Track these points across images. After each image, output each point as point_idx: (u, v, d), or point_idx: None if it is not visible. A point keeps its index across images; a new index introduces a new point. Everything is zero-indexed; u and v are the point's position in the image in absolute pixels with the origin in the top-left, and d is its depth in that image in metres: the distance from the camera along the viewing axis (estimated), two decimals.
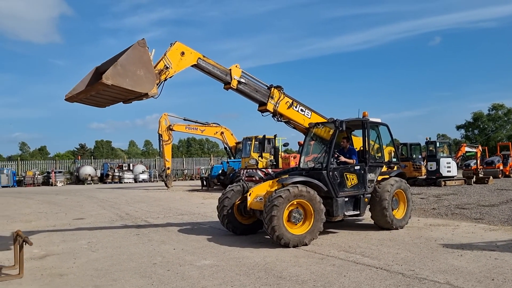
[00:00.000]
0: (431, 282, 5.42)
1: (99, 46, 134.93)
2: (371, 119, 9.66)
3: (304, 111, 9.80)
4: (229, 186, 9.54)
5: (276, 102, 9.40)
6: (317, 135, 9.88)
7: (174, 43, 8.28)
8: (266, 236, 8.36)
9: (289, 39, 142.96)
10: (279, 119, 9.73)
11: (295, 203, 7.84)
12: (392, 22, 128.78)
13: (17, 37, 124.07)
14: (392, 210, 9.26)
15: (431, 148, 23.84)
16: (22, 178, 38.52)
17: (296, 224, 7.89)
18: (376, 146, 9.77)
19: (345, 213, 8.83)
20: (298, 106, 9.72)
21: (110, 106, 7.99)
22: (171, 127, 25.34)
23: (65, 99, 7.43)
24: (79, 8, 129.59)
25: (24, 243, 5.94)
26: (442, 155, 23.38)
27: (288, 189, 7.72)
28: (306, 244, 7.82)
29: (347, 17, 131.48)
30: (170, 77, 8.12)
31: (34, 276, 6.21)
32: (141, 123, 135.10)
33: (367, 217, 9.57)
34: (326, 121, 9.57)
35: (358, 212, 9.06)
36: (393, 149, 10.38)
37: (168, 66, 7.98)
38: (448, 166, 22.78)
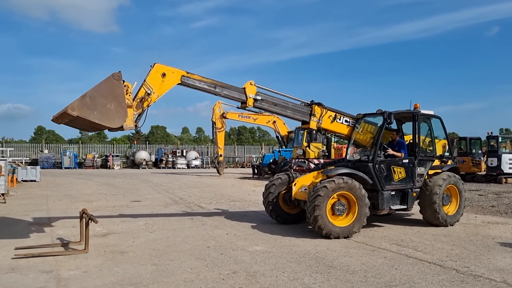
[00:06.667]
0: (487, 280, 5.31)
1: (155, 34, 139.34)
2: (423, 111, 9.36)
3: (349, 121, 9.46)
4: (276, 174, 9.64)
5: (319, 118, 9.12)
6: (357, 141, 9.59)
7: (153, 66, 7.65)
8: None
9: (344, 27, 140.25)
10: (324, 133, 9.57)
11: (336, 196, 7.78)
12: (453, 10, 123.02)
13: (79, 26, 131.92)
14: (443, 206, 9.01)
15: (492, 143, 22.74)
16: (83, 161, 40.73)
17: (342, 216, 7.86)
18: (428, 139, 9.48)
19: (391, 207, 8.68)
20: (342, 117, 9.37)
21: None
22: (224, 115, 25.70)
23: (51, 120, 7.19)
24: None
25: (90, 221, 6.36)
26: (504, 151, 22.27)
27: (326, 186, 7.61)
28: (356, 232, 7.85)
29: (405, 5, 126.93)
30: (154, 102, 7.64)
31: (98, 252, 6.65)
32: (192, 110, 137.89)
33: (417, 212, 9.35)
34: (375, 113, 9.35)
35: (405, 207, 8.87)
36: (446, 142, 10.04)
37: (149, 92, 7.47)
38: (511, 163, 21.71)
